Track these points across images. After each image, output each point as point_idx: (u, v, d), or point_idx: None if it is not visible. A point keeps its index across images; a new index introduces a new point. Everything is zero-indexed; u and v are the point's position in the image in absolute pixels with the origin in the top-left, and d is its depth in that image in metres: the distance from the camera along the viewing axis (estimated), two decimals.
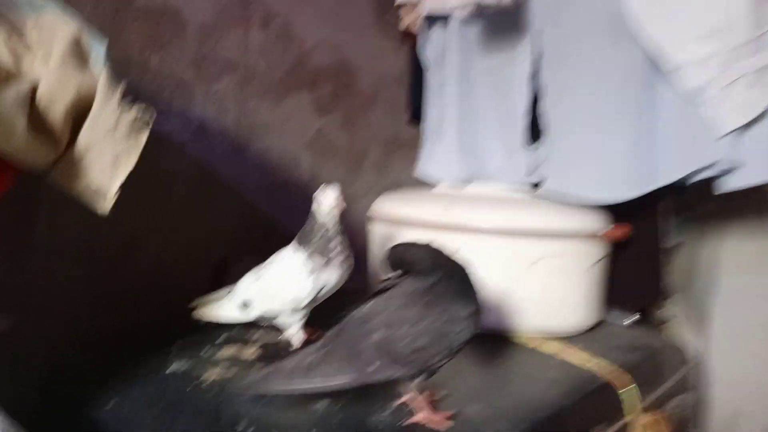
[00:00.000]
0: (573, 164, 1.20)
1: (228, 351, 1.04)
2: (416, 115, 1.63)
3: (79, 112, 0.75)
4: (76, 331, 1.18)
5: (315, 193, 1.01)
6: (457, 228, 1.15)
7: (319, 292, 1.00)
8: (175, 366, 0.97)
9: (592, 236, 1.17)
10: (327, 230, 0.97)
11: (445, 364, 0.80)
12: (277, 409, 0.82)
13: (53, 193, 1.19)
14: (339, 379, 0.77)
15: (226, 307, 1.06)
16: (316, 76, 1.79)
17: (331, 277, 1.00)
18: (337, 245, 0.99)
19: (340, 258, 1.00)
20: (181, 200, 1.48)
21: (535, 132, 1.31)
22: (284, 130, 1.71)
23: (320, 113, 1.81)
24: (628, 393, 1.01)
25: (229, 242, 1.51)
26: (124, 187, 1.26)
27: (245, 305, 1.04)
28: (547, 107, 1.25)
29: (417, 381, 0.80)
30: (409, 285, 0.80)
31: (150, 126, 0.81)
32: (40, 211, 1.22)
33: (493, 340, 1.15)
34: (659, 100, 1.10)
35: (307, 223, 1.00)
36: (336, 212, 0.98)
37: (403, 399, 0.85)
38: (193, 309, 1.09)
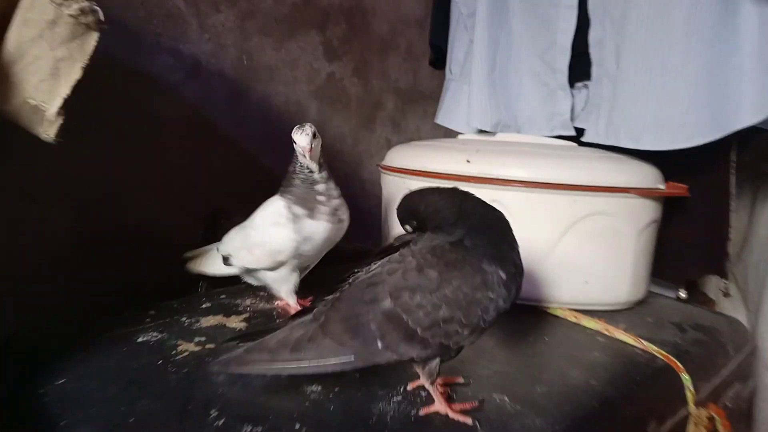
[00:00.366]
0: (627, 105, 1.00)
1: (212, 320, 0.89)
2: (439, 57, 1.43)
3: (4, 3, 0.58)
4: (47, 283, 1.07)
5: (294, 129, 0.88)
6: (484, 180, 0.97)
7: (302, 245, 0.88)
8: (149, 334, 0.83)
9: (644, 193, 0.98)
10: (309, 175, 0.88)
11: (473, 341, 0.64)
12: (257, 394, 0.68)
13: (26, 132, 1.05)
14: (334, 360, 0.62)
15: (213, 259, 0.97)
16: (327, 15, 1.59)
17: (317, 229, 0.88)
18: (323, 194, 0.89)
19: (328, 208, 0.89)
20: (174, 148, 1.32)
21: (580, 69, 1.11)
22: (290, 74, 1.53)
23: (330, 57, 1.63)
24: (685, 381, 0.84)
25: (227, 196, 1.36)
26: (109, 130, 1.12)
27: (228, 258, 0.94)
28: (597, 37, 1.05)
29: (435, 363, 0.64)
30: (427, 241, 0.64)
31: (99, 27, 0.63)
32: (12, 147, 1.08)
33: (526, 313, 0.99)
34: (741, 25, 0.89)
35: (291, 166, 0.90)
36: (308, 157, 0.86)
37: (415, 384, 0.70)
38: (185, 262, 1.01)
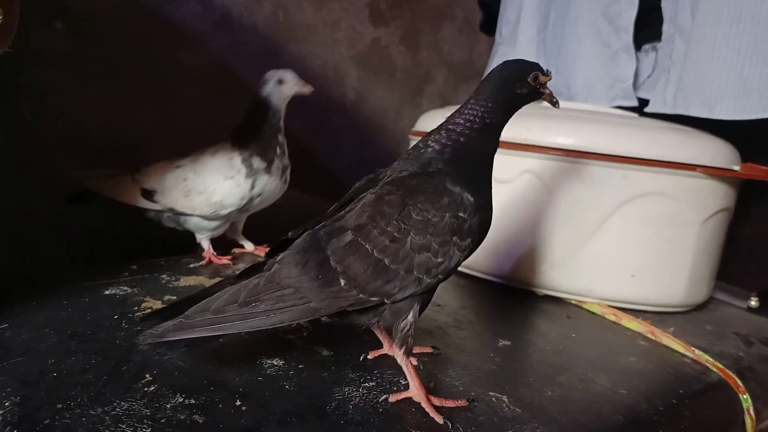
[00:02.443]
0: (702, 66, 0.84)
1: (192, 280, 0.80)
2: (489, 19, 1.28)
3: None
4: (52, 235, 1.03)
5: (270, 73, 0.86)
6: (517, 146, 0.83)
7: (250, 201, 0.86)
8: (119, 288, 0.75)
9: (714, 173, 0.81)
10: (277, 122, 0.86)
11: (447, 274, 0.54)
12: (206, 362, 0.57)
13: (39, 73, 1.01)
14: (291, 309, 0.53)
15: (126, 187, 0.88)
16: None
17: (270, 186, 0.86)
18: (279, 146, 0.86)
19: (281, 165, 0.87)
20: (196, 104, 1.25)
21: (648, 29, 0.94)
22: (330, 35, 1.42)
23: (377, 21, 1.51)
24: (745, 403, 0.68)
25: None
26: (127, 78, 1.06)
27: (152, 193, 0.87)
28: None
29: (407, 321, 0.54)
30: (396, 170, 0.58)
31: None
32: (23, 90, 1.04)
33: (553, 305, 0.84)
34: None
35: (252, 112, 0.87)
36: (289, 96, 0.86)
37: (377, 353, 0.62)
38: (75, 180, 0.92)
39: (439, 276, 0.54)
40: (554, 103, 0.60)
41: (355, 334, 0.66)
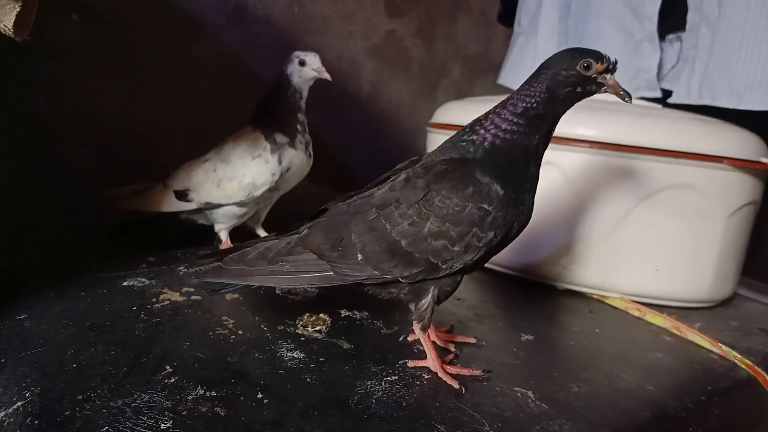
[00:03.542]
0: (730, 55, 0.82)
1: None
2: (508, 10, 1.26)
3: None
4: (65, 224, 1.03)
5: (296, 53, 0.85)
6: None
7: (281, 177, 0.85)
8: (137, 280, 0.75)
9: (741, 165, 0.79)
10: (297, 101, 0.86)
11: (467, 263, 0.54)
12: (226, 353, 0.57)
13: (54, 65, 1.00)
14: (311, 273, 0.57)
15: (160, 196, 0.88)
16: None
17: (296, 159, 0.85)
18: (299, 123, 0.86)
19: (304, 140, 0.86)
20: (209, 97, 1.24)
21: (672, 18, 0.92)
22: (345, 27, 1.41)
23: (392, 13, 1.49)
24: None
25: None
26: (141, 69, 1.06)
27: (185, 192, 0.87)
28: None
29: (425, 302, 0.56)
30: (436, 154, 0.58)
31: None
32: (38, 84, 1.04)
33: (574, 299, 0.83)
34: None
35: (274, 91, 0.87)
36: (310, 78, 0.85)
37: (414, 338, 0.63)
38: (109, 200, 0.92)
39: (455, 265, 0.54)
40: (621, 96, 0.54)
41: (374, 328, 0.66)
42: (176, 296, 0.70)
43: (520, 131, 0.53)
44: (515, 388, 0.55)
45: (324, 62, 1.25)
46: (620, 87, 0.53)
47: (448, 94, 1.67)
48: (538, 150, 0.55)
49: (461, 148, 0.55)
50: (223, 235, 0.89)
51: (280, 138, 0.84)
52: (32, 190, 1.03)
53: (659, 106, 0.90)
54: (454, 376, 0.55)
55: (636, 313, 0.80)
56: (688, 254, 0.82)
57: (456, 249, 0.52)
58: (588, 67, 0.52)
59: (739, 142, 0.80)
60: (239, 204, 0.86)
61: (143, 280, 0.75)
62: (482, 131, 0.55)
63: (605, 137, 0.79)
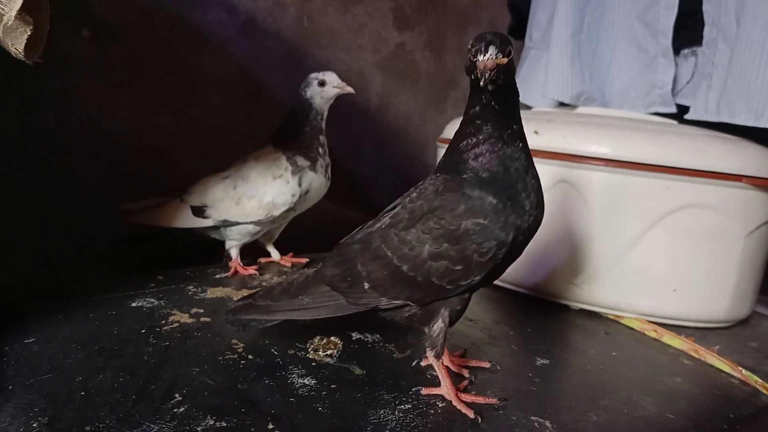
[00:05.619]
0: (749, 72, 0.80)
1: (219, 291, 0.79)
2: (519, 24, 1.25)
3: None
4: (72, 241, 1.04)
5: (312, 75, 0.87)
6: (554, 155, 0.80)
7: (300, 199, 0.86)
8: (146, 300, 0.74)
9: (761, 184, 0.77)
10: (319, 123, 0.87)
11: (474, 281, 0.53)
12: (237, 380, 0.56)
13: (64, 80, 1.01)
14: (328, 303, 0.59)
15: (178, 211, 0.89)
16: None
17: (317, 183, 0.87)
18: (321, 146, 0.88)
19: (324, 162, 0.88)
20: (219, 110, 1.23)
21: (687, 32, 0.90)
22: (354, 41, 1.40)
23: (401, 26, 1.49)
24: None
25: None
26: (151, 84, 1.06)
27: (201, 209, 0.87)
28: None
29: (437, 327, 0.56)
30: (431, 181, 0.57)
31: None
32: (47, 99, 1.03)
33: (590, 320, 0.81)
34: None
35: (294, 114, 0.88)
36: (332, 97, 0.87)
37: (423, 362, 0.62)
38: (124, 214, 0.91)
39: (461, 283, 0.53)
40: (478, 78, 0.48)
41: (387, 351, 0.64)
42: (185, 318, 0.69)
43: (490, 134, 0.52)
44: (532, 417, 0.54)
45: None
46: (483, 68, 0.47)
47: (458, 106, 1.66)
48: (517, 143, 0.52)
49: (452, 164, 0.54)
50: (234, 252, 0.89)
51: (302, 161, 0.85)
52: (41, 204, 1.03)
53: (675, 122, 0.89)
54: (469, 405, 0.54)
55: (653, 335, 0.78)
56: (706, 274, 0.80)
57: (458, 268, 0.52)
58: (471, 52, 0.49)
59: (757, 160, 0.78)
60: (256, 223, 0.86)
61: (152, 300, 0.74)
62: (465, 143, 0.53)
63: (621, 155, 0.78)
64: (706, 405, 0.63)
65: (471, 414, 0.52)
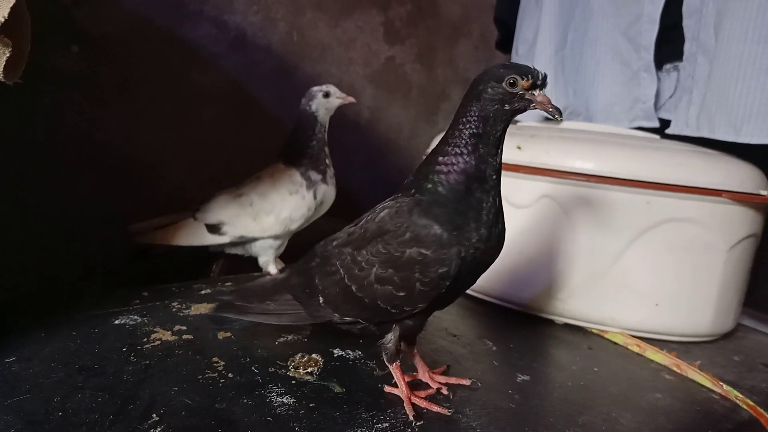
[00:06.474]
0: (727, 87, 0.81)
1: (203, 308, 0.79)
2: (506, 37, 1.26)
3: None
4: (64, 256, 1.05)
5: (315, 88, 0.91)
6: (536, 171, 0.81)
7: (314, 211, 0.90)
8: (129, 317, 0.74)
9: (741, 199, 0.78)
10: (323, 135, 0.90)
11: (418, 309, 0.54)
12: (215, 399, 0.56)
13: (55, 95, 1.01)
14: (291, 312, 0.62)
15: (191, 229, 0.91)
16: None
17: (329, 194, 0.91)
18: (327, 157, 0.91)
19: (331, 172, 0.92)
20: (210, 123, 1.24)
21: (669, 47, 0.91)
22: (344, 54, 1.42)
23: (392, 39, 1.50)
24: None
25: None
26: (142, 98, 1.07)
27: (219, 226, 0.90)
28: (693, 4, 0.85)
29: (390, 339, 0.57)
30: (391, 202, 0.58)
31: None
32: (38, 114, 1.04)
33: (573, 334, 0.82)
34: None
35: (301, 129, 0.90)
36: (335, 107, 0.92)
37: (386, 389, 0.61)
38: (134, 236, 0.93)
39: (405, 308, 0.53)
40: (551, 113, 0.50)
41: (367, 369, 0.65)
42: (168, 335, 0.69)
43: (462, 160, 0.51)
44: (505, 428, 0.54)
45: None
46: (549, 103, 0.50)
47: (448, 118, 1.66)
48: (484, 174, 0.51)
49: (410, 187, 0.55)
50: (272, 268, 0.92)
51: (314, 175, 0.89)
52: (32, 218, 1.03)
53: (657, 137, 0.89)
54: (417, 408, 0.56)
55: (636, 349, 0.78)
56: (689, 288, 0.81)
57: (401, 294, 0.52)
58: (514, 84, 0.50)
59: (738, 175, 0.79)
60: (274, 237, 0.88)
61: (135, 317, 0.74)
62: (427, 166, 0.54)
63: (603, 171, 0.78)
64: (685, 420, 0.63)
65: (411, 416, 0.54)
